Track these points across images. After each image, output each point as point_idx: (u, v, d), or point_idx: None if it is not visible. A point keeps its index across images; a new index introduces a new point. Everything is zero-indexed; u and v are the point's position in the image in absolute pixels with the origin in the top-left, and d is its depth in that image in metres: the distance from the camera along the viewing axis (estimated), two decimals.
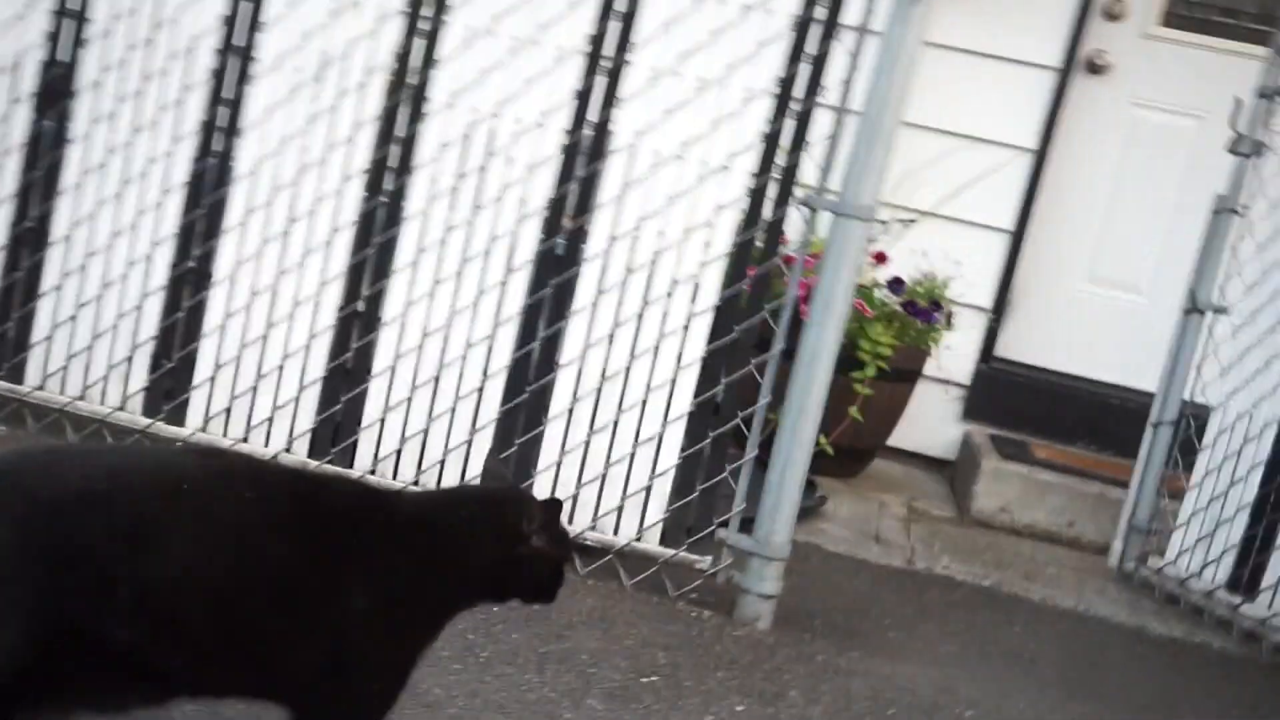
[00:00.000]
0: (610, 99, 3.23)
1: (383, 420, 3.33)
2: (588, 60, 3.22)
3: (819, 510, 4.32)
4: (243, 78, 3.35)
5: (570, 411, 3.29)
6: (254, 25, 3.34)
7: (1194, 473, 4.14)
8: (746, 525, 3.22)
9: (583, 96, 3.23)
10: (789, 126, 3.21)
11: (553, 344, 3.31)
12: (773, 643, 3.12)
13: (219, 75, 3.36)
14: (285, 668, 1.67)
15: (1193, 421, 4.18)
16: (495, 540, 1.82)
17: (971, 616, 3.68)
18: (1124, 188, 5.24)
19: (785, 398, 3.14)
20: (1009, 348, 5.34)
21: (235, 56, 3.35)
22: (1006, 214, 5.17)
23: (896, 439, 5.08)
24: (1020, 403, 5.25)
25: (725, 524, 3.26)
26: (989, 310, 5.22)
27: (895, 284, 4.68)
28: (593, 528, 3.31)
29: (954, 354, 5.06)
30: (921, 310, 4.68)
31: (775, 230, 3.28)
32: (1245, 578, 3.91)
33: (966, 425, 5.26)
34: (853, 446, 4.71)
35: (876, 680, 3.02)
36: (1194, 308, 4.18)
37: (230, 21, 3.35)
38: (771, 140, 3.21)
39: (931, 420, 5.24)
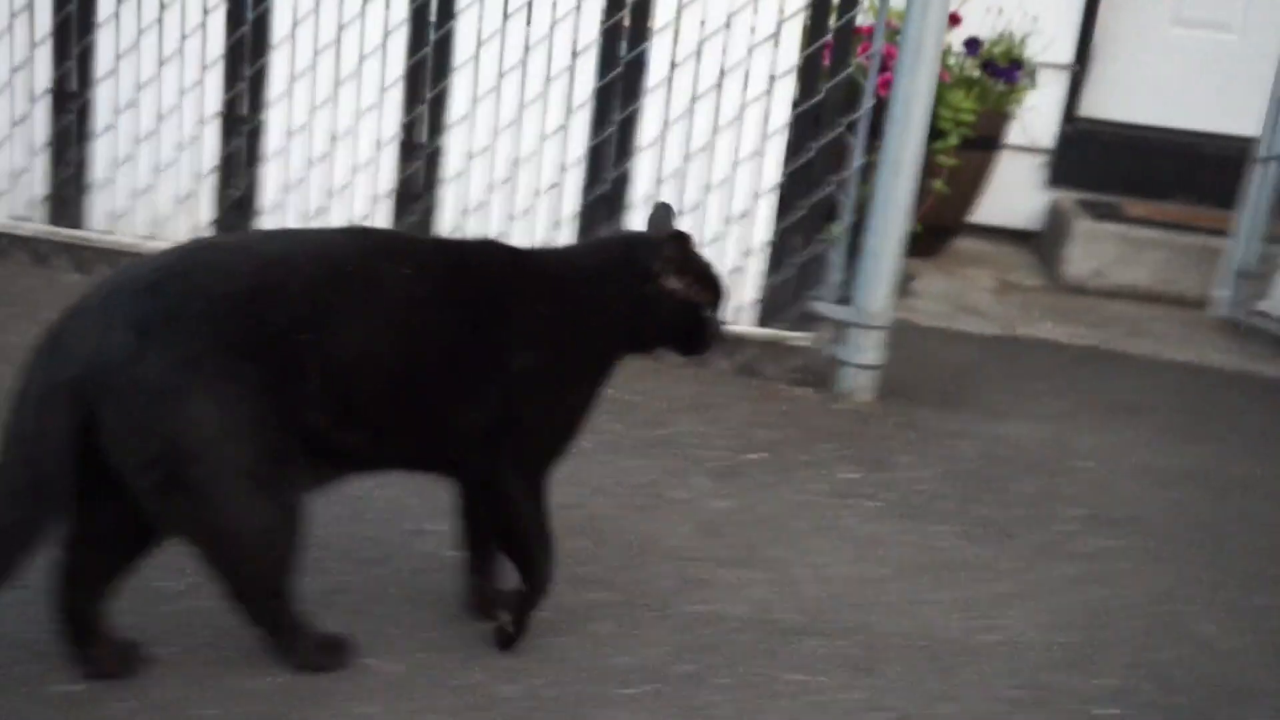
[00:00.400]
0: None
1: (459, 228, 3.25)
2: None
3: (907, 288, 4.20)
4: None
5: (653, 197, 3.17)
6: None
7: None
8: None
9: None
10: None
11: (629, 127, 3.17)
12: (877, 413, 3.06)
13: None
14: (457, 432, 1.72)
15: None
16: (627, 281, 1.80)
17: (1076, 374, 3.57)
18: None
19: (879, 156, 2.99)
20: (1093, 105, 5.09)
21: None
22: None
23: (979, 214, 4.90)
24: (1108, 162, 5.03)
25: (821, 298, 3.16)
26: (1070, 66, 4.95)
27: (971, 44, 4.44)
28: None
29: (1036, 115, 4.82)
30: (1001, 70, 4.45)
31: None
32: None
33: (1052, 192, 5.06)
34: (937, 223, 4.55)
35: (986, 440, 2.95)
36: None
37: None
38: None
39: (1015, 190, 5.03)
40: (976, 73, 4.49)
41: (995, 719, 1.89)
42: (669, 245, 1.81)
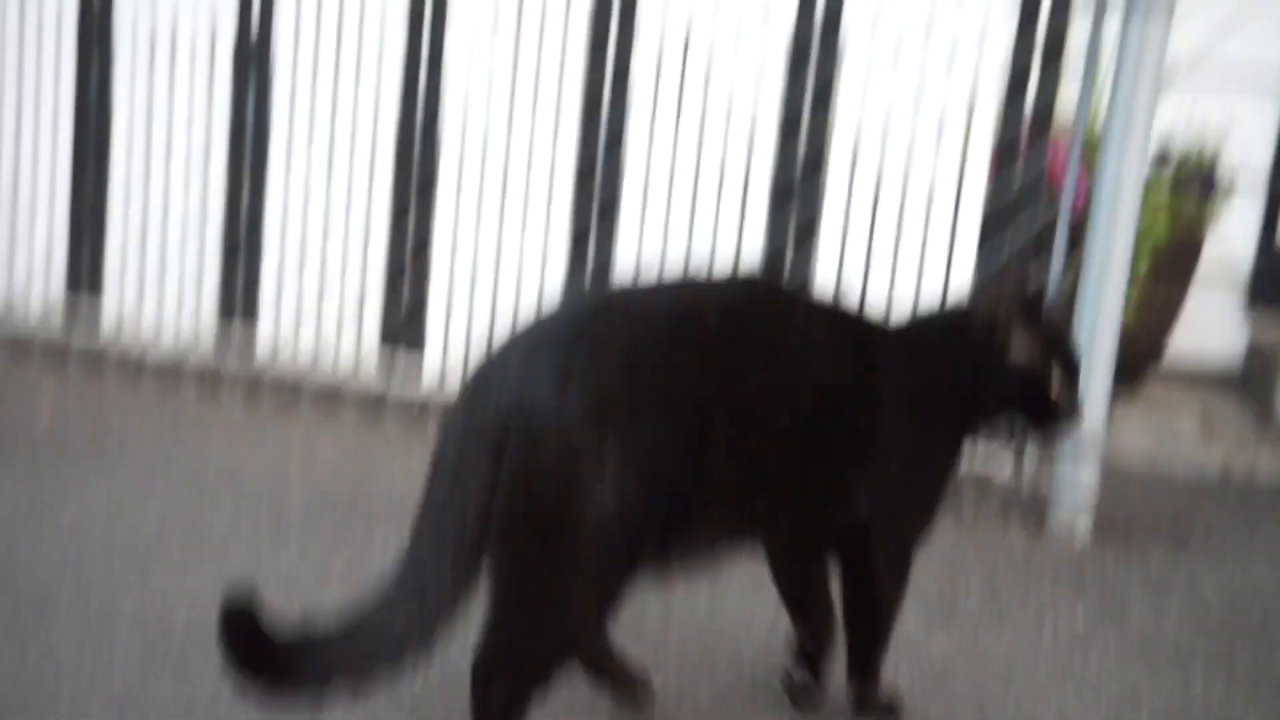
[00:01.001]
0: None
1: None
2: None
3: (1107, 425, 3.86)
4: None
5: None
6: None
7: None
8: None
9: None
10: None
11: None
12: (1096, 554, 2.71)
13: None
14: (841, 495, 1.70)
15: None
16: (968, 358, 1.77)
17: None
18: None
19: (1083, 265, 2.73)
20: None
21: None
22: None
23: (1172, 356, 4.54)
24: None
25: None
26: (1266, 186, 4.61)
27: (1160, 158, 4.16)
28: None
29: (1231, 238, 4.48)
30: (1194, 182, 4.13)
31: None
32: None
33: (1250, 330, 4.69)
34: (1129, 361, 4.20)
35: (1228, 584, 2.58)
36: None
37: None
38: None
39: (1210, 330, 4.68)
40: (1163, 189, 4.19)
41: None
42: (1004, 314, 1.75)
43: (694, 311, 1.61)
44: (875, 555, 1.77)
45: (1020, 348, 1.75)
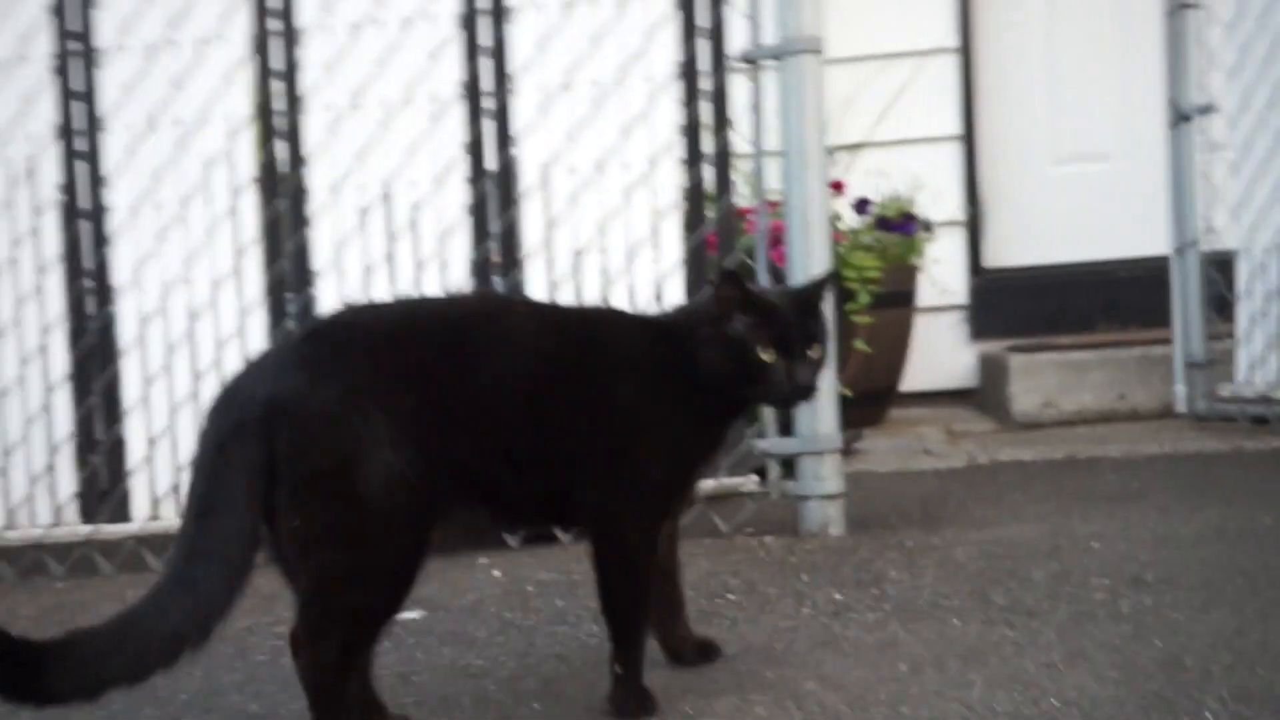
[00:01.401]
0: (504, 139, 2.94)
1: None
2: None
3: (854, 449, 3.91)
4: None
5: None
6: None
7: (1238, 277, 3.79)
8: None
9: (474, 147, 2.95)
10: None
11: None
12: (851, 544, 2.69)
13: None
14: (578, 467, 1.74)
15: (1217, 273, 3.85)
16: (700, 328, 1.79)
17: (1057, 481, 3.26)
18: (1059, 56, 4.96)
19: (788, 259, 2.76)
20: (997, 255, 5.01)
21: None
22: (951, 120, 4.89)
23: (912, 381, 4.69)
24: (1026, 308, 4.90)
25: (761, 434, 2.85)
26: (964, 222, 4.90)
27: (861, 205, 4.35)
28: None
29: (944, 269, 4.71)
30: (897, 224, 4.35)
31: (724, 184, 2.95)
32: None
33: (977, 346, 4.90)
34: (869, 388, 4.31)
35: (979, 545, 2.60)
36: (1180, 116, 3.87)
37: None
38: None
39: (941, 352, 4.86)
40: (873, 233, 4.38)
41: None
42: (722, 283, 1.78)
43: (423, 311, 1.80)
44: (608, 536, 1.77)
45: (739, 324, 1.76)
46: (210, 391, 2.85)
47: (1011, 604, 2.17)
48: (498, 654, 2.10)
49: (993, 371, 4.59)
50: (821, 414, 2.76)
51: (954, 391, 4.91)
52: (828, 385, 2.74)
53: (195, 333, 2.96)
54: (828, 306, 1.89)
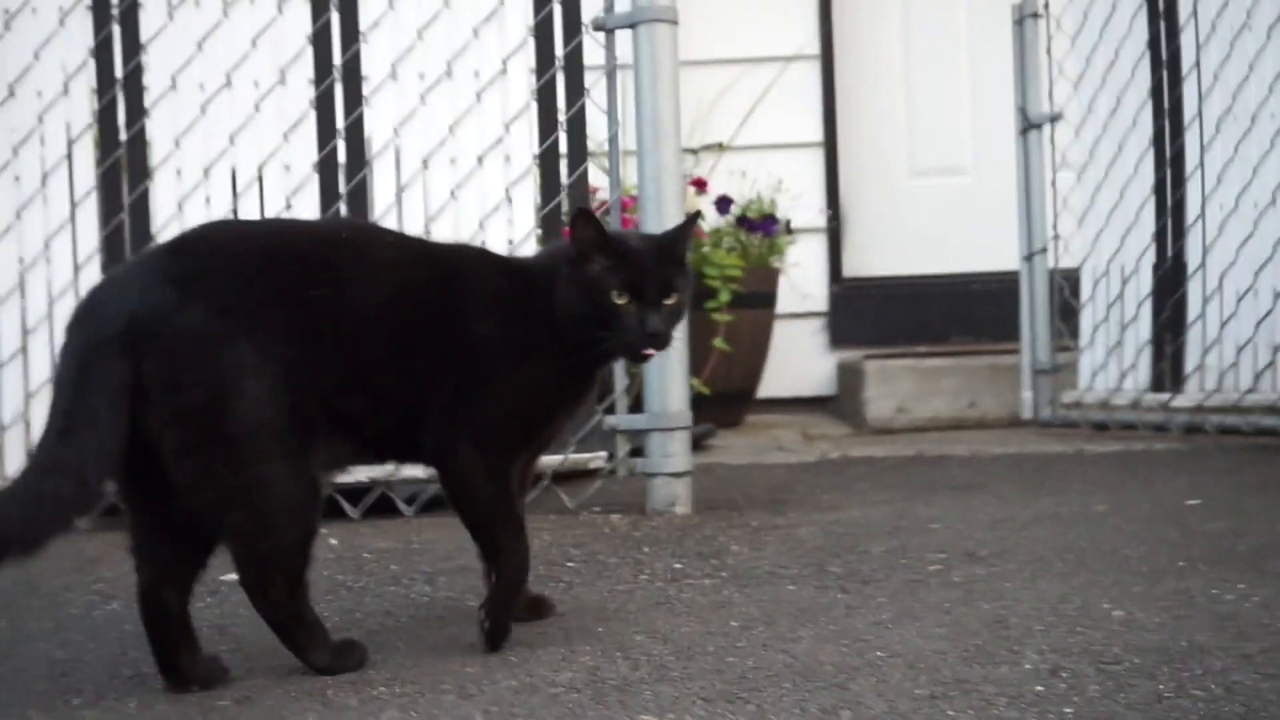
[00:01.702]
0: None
1: None
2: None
3: (708, 444, 3.92)
4: None
5: None
6: None
7: (1082, 284, 3.90)
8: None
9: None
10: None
11: None
12: (697, 523, 2.68)
13: None
14: (432, 401, 1.72)
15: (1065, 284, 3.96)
16: (559, 269, 1.76)
17: (904, 474, 3.31)
18: (915, 68, 5.06)
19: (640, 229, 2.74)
20: (857, 264, 5.08)
21: None
22: (812, 127, 4.96)
23: (771, 388, 4.72)
24: (884, 317, 4.98)
25: (611, 410, 2.82)
26: (824, 229, 4.96)
27: (722, 203, 4.38)
28: None
29: (804, 276, 4.77)
30: (758, 224, 4.39)
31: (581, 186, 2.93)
32: (1168, 372, 3.65)
33: (837, 354, 4.95)
34: (727, 389, 4.32)
35: (821, 525, 2.60)
36: (1028, 124, 3.97)
37: None
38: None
39: (801, 359, 4.91)
40: (734, 233, 4.41)
41: (916, 710, 1.47)
42: (578, 223, 1.74)
43: (290, 233, 1.80)
44: (463, 458, 1.75)
45: (595, 265, 1.72)
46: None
47: (848, 573, 2.18)
48: (323, 610, 2.00)
49: (849, 378, 4.64)
50: (671, 391, 2.74)
51: (812, 399, 4.95)
52: (679, 362, 2.73)
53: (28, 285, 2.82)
54: (688, 255, 1.85)
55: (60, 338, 1.61)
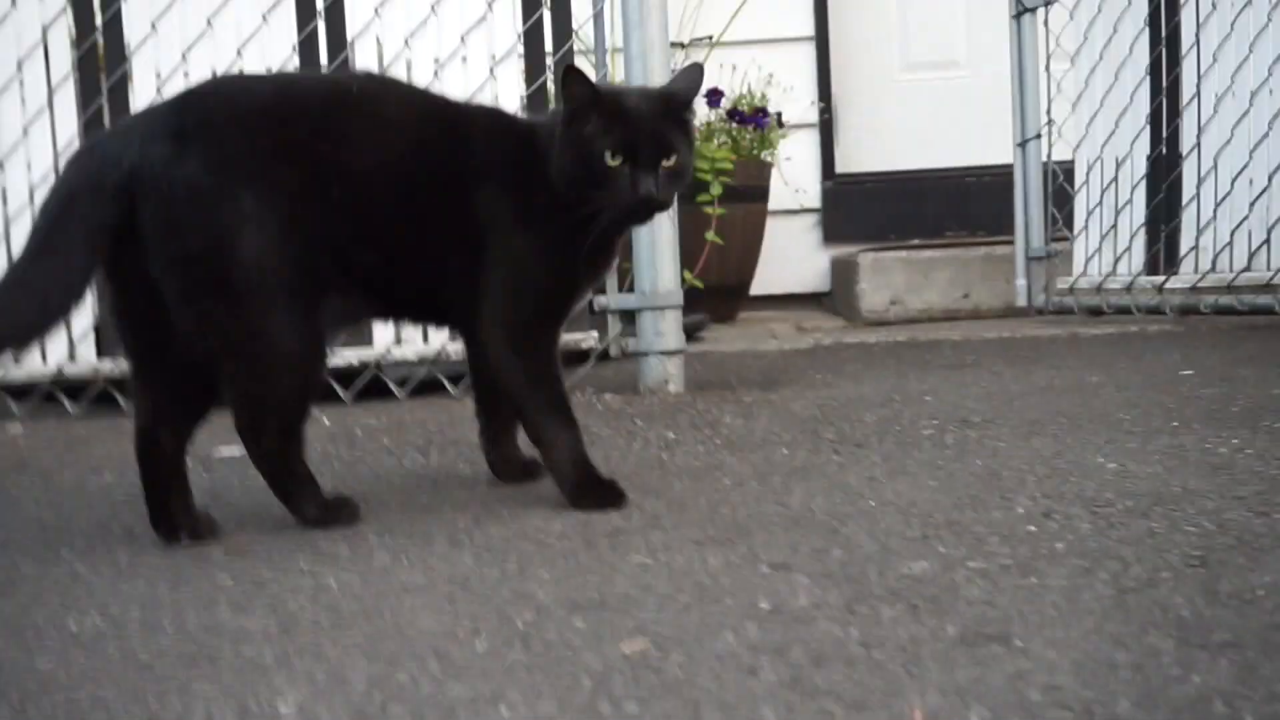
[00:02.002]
0: None
1: None
2: None
3: (701, 336, 3.90)
4: None
5: None
6: None
7: (1076, 171, 3.87)
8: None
9: None
10: None
11: None
12: (689, 400, 2.67)
13: None
14: (444, 263, 1.69)
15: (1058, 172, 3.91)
16: (548, 133, 1.70)
17: (898, 356, 3.30)
18: None
19: None
20: (849, 160, 5.03)
21: None
22: (803, 21, 4.88)
23: (764, 284, 4.70)
24: (877, 213, 4.94)
25: (602, 292, 2.80)
26: (816, 124, 4.91)
27: (713, 95, 4.32)
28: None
29: (796, 169, 4.73)
30: (749, 117, 4.33)
31: None
32: (1162, 255, 3.63)
33: (830, 250, 4.93)
34: (720, 284, 4.30)
35: (814, 400, 2.60)
36: (1022, 8, 3.91)
37: None
38: None
39: (794, 255, 4.88)
40: (725, 127, 4.36)
41: (907, 548, 1.46)
42: (567, 81, 1.64)
43: (299, 87, 1.74)
44: (478, 340, 1.74)
45: (589, 125, 1.64)
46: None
47: (840, 438, 2.17)
48: (316, 476, 2.02)
49: (843, 272, 4.62)
50: (662, 270, 2.72)
51: (806, 295, 4.94)
52: (669, 242, 2.70)
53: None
54: (690, 112, 1.73)
55: None
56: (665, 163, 1.65)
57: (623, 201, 1.65)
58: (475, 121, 1.76)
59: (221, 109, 1.61)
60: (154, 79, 2.80)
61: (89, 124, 2.78)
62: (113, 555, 1.62)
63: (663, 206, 1.69)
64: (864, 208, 4.95)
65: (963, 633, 1.18)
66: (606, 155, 1.63)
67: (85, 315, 2.79)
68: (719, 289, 4.31)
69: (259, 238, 1.56)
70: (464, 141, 1.71)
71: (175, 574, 1.53)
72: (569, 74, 1.65)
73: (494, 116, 1.83)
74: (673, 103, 1.71)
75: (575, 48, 2.90)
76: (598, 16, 2.81)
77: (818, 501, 1.71)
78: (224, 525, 1.72)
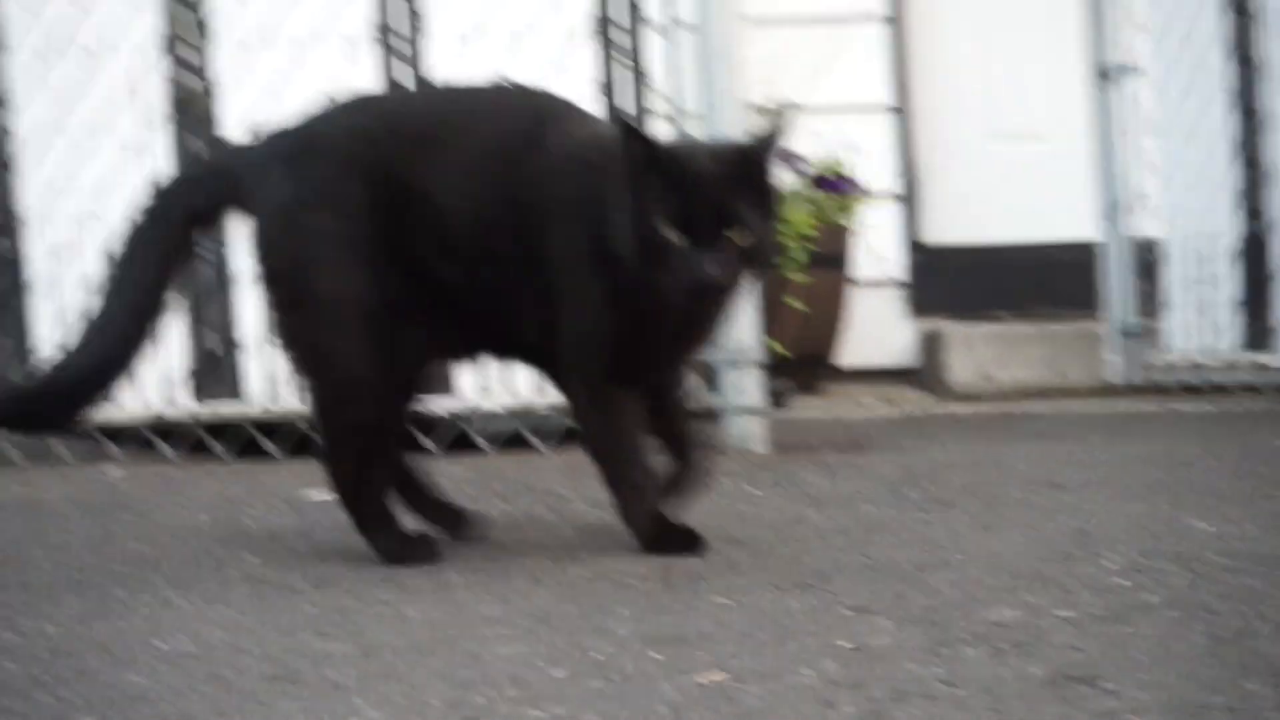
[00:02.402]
0: None
1: None
2: None
3: (786, 404, 3.88)
4: None
5: None
6: None
7: (1168, 244, 3.81)
8: None
9: None
10: None
11: None
12: (773, 460, 2.65)
13: None
14: (520, 305, 1.66)
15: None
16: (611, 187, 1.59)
17: (987, 427, 3.25)
18: (990, 30, 4.97)
19: None
20: (933, 230, 4.99)
21: None
22: (883, 89, 4.88)
23: (849, 358, 4.66)
24: (962, 286, 4.88)
25: None
26: (899, 195, 4.89)
27: (794, 159, 4.31)
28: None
29: (877, 235, 4.69)
30: (833, 182, 4.33)
31: None
32: (1258, 331, 3.55)
33: (916, 323, 4.88)
34: (804, 353, 4.27)
35: (903, 463, 2.57)
36: (1105, 78, 3.89)
37: None
38: None
39: (878, 327, 4.83)
40: (808, 193, 4.36)
41: (992, 597, 1.44)
42: (627, 140, 1.53)
43: (408, 107, 1.83)
44: (559, 383, 1.73)
45: (644, 190, 1.49)
46: None
47: (926, 498, 2.14)
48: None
49: (930, 345, 4.58)
50: (744, 323, 2.69)
51: (892, 370, 4.88)
52: (750, 298, 2.70)
53: None
54: (773, 175, 1.55)
55: None
56: (733, 237, 1.47)
57: (677, 284, 1.47)
58: (568, 159, 1.64)
59: (325, 135, 1.68)
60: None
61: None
62: (203, 585, 1.65)
63: (724, 292, 1.51)
64: (949, 280, 4.90)
65: (1049, 674, 1.16)
66: (660, 227, 1.47)
67: (183, 359, 2.86)
68: (801, 359, 4.27)
69: (338, 262, 1.62)
70: (545, 180, 1.62)
71: (261, 602, 1.55)
72: (625, 131, 1.55)
73: (585, 156, 1.64)
74: (748, 162, 1.53)
75: (653, 106, 2.92)
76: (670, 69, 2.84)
77: (901, 553, 1.69)
78: (308, 560, 1.74)
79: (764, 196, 1.50)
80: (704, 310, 1.62)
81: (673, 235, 1.45)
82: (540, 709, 1.13)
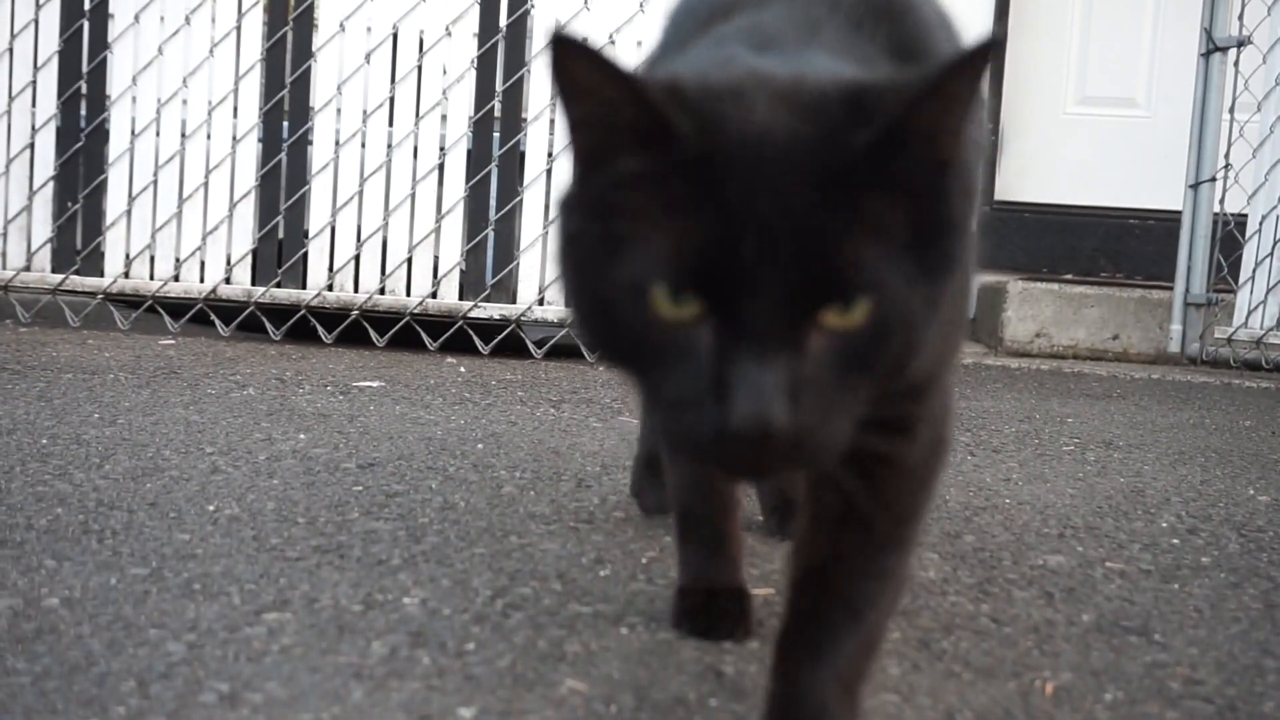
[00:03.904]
0: None
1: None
2: None
3: None
4: None
5: None
6: None
7: (1249, 219, 3.72)
8: None
9: None
10: None
11: None
12: None
13: None
14: None
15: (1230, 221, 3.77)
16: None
17: (1039, 382, 3.21)
18: None
19: None
20: (1009, 189, 4.92)
21: None
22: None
23: None
24: (1032, 244, 4.82)
25: None
26: (983, 148, 4.81)
27: None
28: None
29: None
30: None
31: None
32: None
33: (980, 276, 4.82)
34: None
35: (957, 409, 2.53)
36: (1213, 47, 3.78)
37: None
38: None
39: None
40: None
41: (1043, 543, 1.42)
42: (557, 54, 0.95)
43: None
44: None
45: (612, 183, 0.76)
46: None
47: (977, 443, 2.12)
48: (450, 414, 2.05)
49: (990, 299, 4.52)
50: None
51: None
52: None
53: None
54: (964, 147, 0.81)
55: None
56: (828, 316, 0.70)
57: (684, 434, 0.72)
58: None
59: None
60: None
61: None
62: (253, 456, 1.66)
63: (799, 449, 0.70)
64: (1019, 237, 4.83)
65: (1099, 621, 1.14)
66: (656, 292, 0.71)
67: (245, 239, 2.88)
68: None
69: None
70: None
71: (310, 477, 1.56)
72: (562, 49, 0.72)
73: None
74: (893, 122, 0.74)
75: None
76: None
77: (951, 493, 1.68)
78: (357, 442, 1.75)
79: (930, 204, 0.74)
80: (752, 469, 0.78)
81: (684, 313, 0.71)
82: (585, 604, 1.13)
